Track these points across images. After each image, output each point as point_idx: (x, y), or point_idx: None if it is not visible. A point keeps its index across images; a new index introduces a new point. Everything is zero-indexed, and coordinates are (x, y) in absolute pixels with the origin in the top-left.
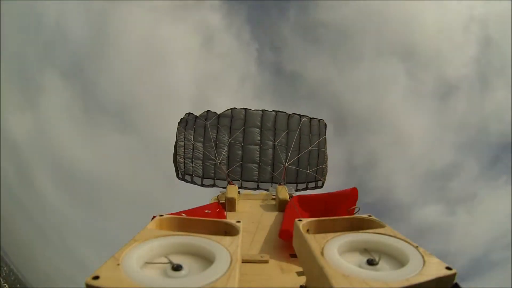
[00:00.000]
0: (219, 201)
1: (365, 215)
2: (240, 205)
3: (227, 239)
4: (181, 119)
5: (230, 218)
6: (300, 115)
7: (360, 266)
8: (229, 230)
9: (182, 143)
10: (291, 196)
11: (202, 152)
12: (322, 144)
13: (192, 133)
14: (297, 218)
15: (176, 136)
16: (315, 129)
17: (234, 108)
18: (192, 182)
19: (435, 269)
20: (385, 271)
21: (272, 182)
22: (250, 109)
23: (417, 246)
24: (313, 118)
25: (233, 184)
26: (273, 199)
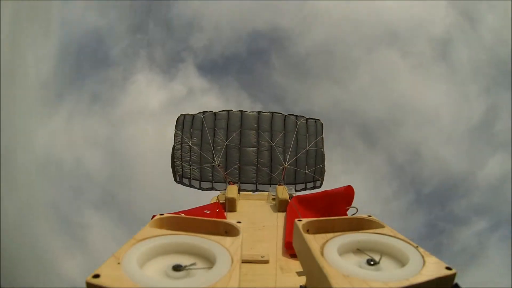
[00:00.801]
0: (219, 201)
1: (365, 215)
2: (240, 205)
3: (227, 240)
4: (177, 121)
5: (230, 218)
6: (296, 116)
7: (360, 266)
8: (230, 230)
9: (180, 146)
10: (291, 196)
11: (199, 156)
12: (320, 144)
13: (189, 136)
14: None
15: (174, 139)
16: (312, 129)
17: (231, 110)
18: (190, 185)
19: (435, 269)
20: (385, 271)
21: (270, 184)
22: (246, 111)
23: (417, 246)
24: (309, 118)
25: (233, 184)
26: (273, 199)
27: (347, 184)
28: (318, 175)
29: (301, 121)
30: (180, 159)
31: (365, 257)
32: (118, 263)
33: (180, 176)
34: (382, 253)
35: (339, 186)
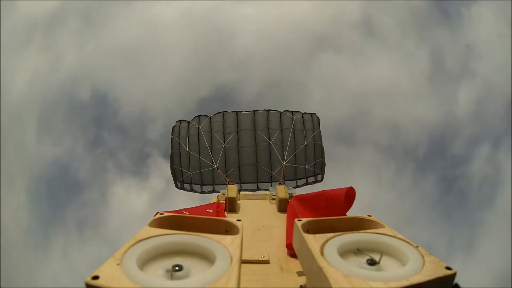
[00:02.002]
0: (219, 201)
1: (365, 215)
2: (240, 205)
3: (227, 239)
4: (173, 128)
5: (230, 218)
6: (292, 112)
7: (360, 266)
8: (230, 229)
9: (178, 153)
10: (291, 196)
11: (198, 160)
12: (318, 138)
13: (187, 142)
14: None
15: (171, 146)
16: (309, 123)
17: (225, 111)
18: (192, 190)
19: (435, 269)
20: (385, 271)
21: (271, 182)
22: (241, 111)
23: (417, 246)
24: (305, 113)
25: (233, 184)
26: (273, 198)
27: (349, 186)
28: (318, 169)
29: (297, 117)
30: (180, 165)
31: (365, 257)
32: (118, 264)
33: (181, 181)
34: (382, 253)
35: (338, 186)
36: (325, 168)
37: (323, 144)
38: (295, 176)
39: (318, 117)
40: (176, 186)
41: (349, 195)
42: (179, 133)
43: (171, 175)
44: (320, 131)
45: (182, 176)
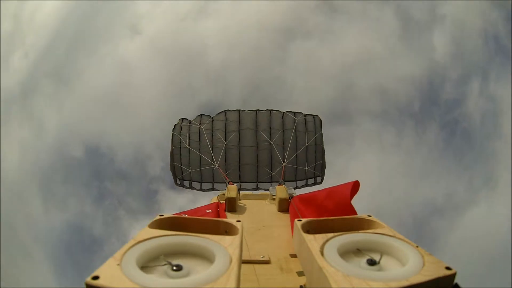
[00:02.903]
0: (219, 201)
1: (365, 215)
2: (240, 205)
3: (227, 239)
4: (175, 125)
5: (230, 218)
6: (294, 113)
7: (360, 266)
8: (229, 230)
9: (178, 150)
10: (291, 196)
11: (199, 157)
12: (319, 140)
13: (187, 139)
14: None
15: (172, 143)
16: (311, 125)
17: (227, 110)
18: (191, 187)
19: (435, 269)
20: (385, 271)
21: (271, 182)
22: (243, 110)
23: (417, 246)
24: (307, 114)
25: (233, 184)
26: (273, 198)
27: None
28: (318, 171)
29: (299, 118)
30: (180, 162)
31: (365, 257)
32: (118, 264)
33: (181, 179)
34: (382, 253)
35: (337, 183)
36: (325, 170)
37: (324, 146)
38: (295, 177)
39: (321, 119)
40: (176, 183)
41: (354, 189)
42: (181, 130)
43: (171, 172)
44: (321, 133)
45: (182, 174)
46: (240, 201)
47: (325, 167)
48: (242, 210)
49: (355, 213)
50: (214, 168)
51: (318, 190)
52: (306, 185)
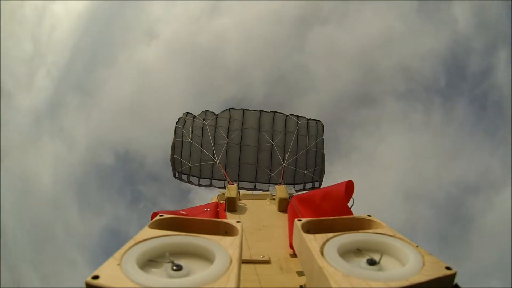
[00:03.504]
0: (219, 200)
1: (365, 215)
2: (240, 205)
3: (227, 239)
4: (179, 118)
5: (230, 217)
6: (297, 116)
7: (360, 266)
8: (229, 230)
9: (180, 143)
10: (291, 196)
11: (200, 152)
12: (320, 145)
13: (190, 133)
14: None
15: (174, 135)
16: (313, 130)
17: (232, 108)
18: (189, 181)
19: (435, 269)
20: (385, 271)
21: (269, 183)
22: (248, 110)
23: (417, 246)
24: (310, 119)
25: (232, 184)
26: (273, 198)
27: (348, 180)
28: (317, 176)
29: (302, 122)
30: (180, 155)
31: (365, 257)
32: (118, 264)
33: (180, 172)
34: (382, 253)
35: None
36: (324, 175)
37: (324, 152)
38: (293, 180)
39: (323, 125)
40: (174, 176)
41: (349, 188)
42: (184, 123)
43: (170, 164)
44: (323, 139)
45: (182, 167)
46: (240, 201)
47: (324, 172)
48: (242, 210)
49: (351, 215)
50: (213, 165)
51: (315, 190)
52: (304, 189)
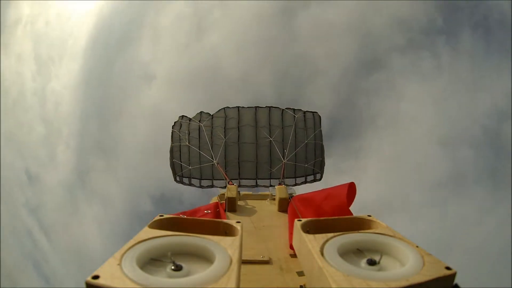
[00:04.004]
0: (219, 201)
1: (365, 215)
2: (240, 205)
3: (227, 240)
4: (175, 122)
5: (231, 218)
6: (294, 109)
7: (360, 266)
8: (229, 230)
9: (178, 147)
10: (291, 196)
11: (198, 154)
12: (318, 137)
13: (187, 136)
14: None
15: (171, 140)
16: (310, 122)
17: (227, 107)
18: (190, 184)
19: (435, 269)
20: (385, 271)
21: (270, 179)
22: (243, 107)
23: (417, 246)
24: (307, 111)
25: (233, 184)
26: (273, 198)
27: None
28: (317, 168)
29: (298, 115)
30: (179, 159)
31: (365, 257)
32: (118, 264)
33: (180, 176)
34: (382, 253)
35: (337, 183)
36: (325, 167)
37: (323, 143)
38: (294, 174)
39: (320, 116)
40: (175, 180)
41: (351, 191)
42: (180, 127)
43: (170, 169)
44: (321, 130)
45: (182, 170)
46: (240, 201)
47: (324, 164)
48: (242, 210)
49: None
50: (213, 165)
51: (317, 191)
52: (306, 182)
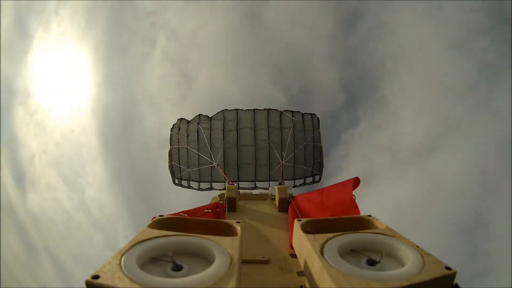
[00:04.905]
0: (219, 201)
1: (365, 215)
2: (240, 205)
3: (227, 240)
4: (173, 125)
5: (230, 218)
6: (292, 112)
7: (360, 266)
8: (229, 230)
9: (176, 149)
10: (291, 196)
11: (197, 157)
12: (317, 139)
13: (186, 138)
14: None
15: (170, 143)
16: (308, 124)
17: (225, 109)
18: (189, 187)
19: (435, 269)
20: (385, 271)
21: (269, 181)
22: (241, 109)
23: (417, 246)
24: (305, 113)
25: (232, 184)
26: (273, 199)
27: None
28: (316, 169)
29: (297, 117)
30: (178, 162)
31: (365, 257)
32: (118, 264)
33: (179, 178)
34: (382, 253)
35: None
36: (323, 169)
37: (322, 144)
38: (293, 176)
39: (318, 118)
40: (174, 183)
41: (356, 185)
42: (179, 129)
43: (169, 171)
44: (319, 132)
45: (180, 173)
46: (240, 201)
47: (323, 165)
48: (242, 210)
49: (358, 211)
50: (212, 168)
51: (318, 189)
52: (305, 183)
